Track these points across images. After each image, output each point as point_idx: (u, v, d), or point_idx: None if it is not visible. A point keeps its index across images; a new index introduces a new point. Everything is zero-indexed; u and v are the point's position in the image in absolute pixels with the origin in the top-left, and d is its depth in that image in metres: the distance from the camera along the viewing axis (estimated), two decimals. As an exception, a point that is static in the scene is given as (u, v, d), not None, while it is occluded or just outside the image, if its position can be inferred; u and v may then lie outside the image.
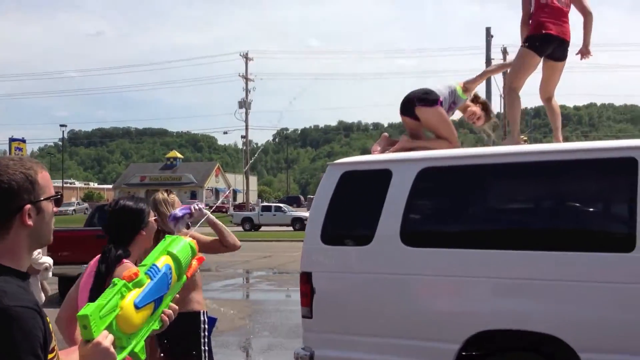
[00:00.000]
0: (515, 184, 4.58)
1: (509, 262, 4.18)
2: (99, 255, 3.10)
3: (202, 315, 4.17)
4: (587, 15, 5.65)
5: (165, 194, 4.34)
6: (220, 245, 4.24)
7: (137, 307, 1.77)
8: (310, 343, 4.76)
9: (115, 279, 1.81)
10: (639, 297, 3.83)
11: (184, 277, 2.03)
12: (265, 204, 45.54)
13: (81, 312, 1.64)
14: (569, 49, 5.65)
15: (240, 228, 38.16)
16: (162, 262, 1.93)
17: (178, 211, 4.09)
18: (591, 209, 4.39)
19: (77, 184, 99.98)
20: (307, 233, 4.90)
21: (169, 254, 1.97)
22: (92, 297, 2.91)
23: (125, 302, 1.75)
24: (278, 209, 40.17)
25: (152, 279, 1.85)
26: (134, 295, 1.78)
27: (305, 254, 4.85)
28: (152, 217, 3.18)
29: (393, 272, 4.51)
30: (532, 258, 4.13)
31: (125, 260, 3.00)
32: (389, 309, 4.49)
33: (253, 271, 17.93)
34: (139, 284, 1.81)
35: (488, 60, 28.09)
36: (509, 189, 4.63)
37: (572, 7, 5.65)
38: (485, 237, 4.41)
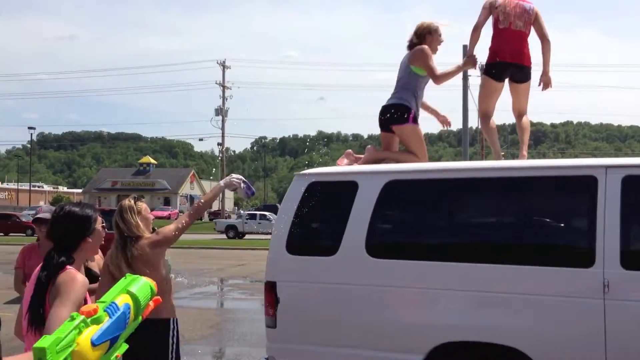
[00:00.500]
0: (479, 199, 4.64)
1: (472, 275, 4.21)
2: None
3: (171, 323, 4.14)
4: (544, 42, 5.83)
5: (132, 201, 4.29)
6: (190, 216, 4.31)
7: (93, 344, 1.75)
8: (274, 353, 4.75)
9: (73, 314, 1.78)
10: (597, 312, 3.89)
11: (140, 317, 2.01)
12: (250, 211, 44.91)
13: (38, 344, 1.62)
14: (533, 69, 5.80)
15: (224, 236, 37.89)
16: (122, 300, 1.92)
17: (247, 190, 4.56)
18: (553, 225, 4.45)
19: (46, 188, 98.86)
20: (272, 242, 4.89)
21: (129, 293, 1.96)
22: (32, 305, 2.85)
23: (82, 338, 1.73)
24: (263, 217, 39.61)
25: (110, 317, 1.84)
26: (91, 331, 1.77)
27: (270, 263, 4.85)
28: (99, 225, 3.10)
29: (358, 283, 4.52)
30: (494, 271, 4.17)
31: (69, 267, 2.91)
32: (353, 320, 4.50)
33: (226, 279, 17.84)
34: (97, 321, 1.80)
35: (464, 77, 28.44)
36: (473, 203, 4.68)
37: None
38: (448, 250, 4.45)
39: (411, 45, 5.75)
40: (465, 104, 26.77)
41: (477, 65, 6.20)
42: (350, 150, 5.82)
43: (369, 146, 5.83)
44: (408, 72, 5.66)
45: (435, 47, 5.76)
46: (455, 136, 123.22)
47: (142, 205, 4.31)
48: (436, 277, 4.30)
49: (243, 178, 4.59)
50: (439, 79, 5.63)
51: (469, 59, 5.88)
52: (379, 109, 5.77)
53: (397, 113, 5.57)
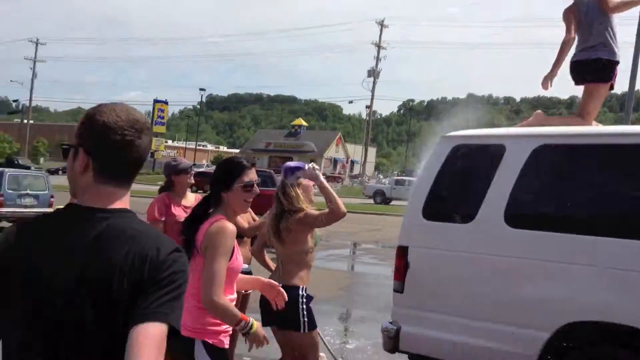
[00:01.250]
0: (635, 169, 4.03)
1: (613, 251, 3.78)
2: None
3: (300, 290, 4.19)
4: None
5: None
6: (328, 216, 4.20)
7: None
8: (398, 317, 4.62)
9: None
10: None
11: None
12: (399, 177, 44.27)
13: None
14: None
15: (371, 201, 38.07)
16: None
17: (292, 164, 4.35)
18: None
19: (209, 147, 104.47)
20: (409, 207, 4.72)
21: None
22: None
23: None
24: (412, 183, 38.83)
25: None
26: None
27: (404, 227, 4.69)
28: (240, 183, 3.00)
29: (492, 253, 4.23)
30: (634, 248, 3.71)
31: (219, 216, 2.93)
32: (482, 291, 4.25)
33: (360, 243, 17.90)
34: None
35: (640, 33, 24.06)
36: (628, 173, 4.07)
37: None
38: (591, 223, 3.99)
39: None
40: (636, 59, 21.31)
41: None
42: (540, 112, 5.24)
43: (538, 111, 5.27)
44: (608, 17, 5.08)
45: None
46: (618, 100, 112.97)
47: (305, 182, 4.37)
48: (574, 251, 3.92)
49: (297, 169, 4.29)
50: (614, 9, 5.08)
51: None
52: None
53: (605, 68, 5.06)
